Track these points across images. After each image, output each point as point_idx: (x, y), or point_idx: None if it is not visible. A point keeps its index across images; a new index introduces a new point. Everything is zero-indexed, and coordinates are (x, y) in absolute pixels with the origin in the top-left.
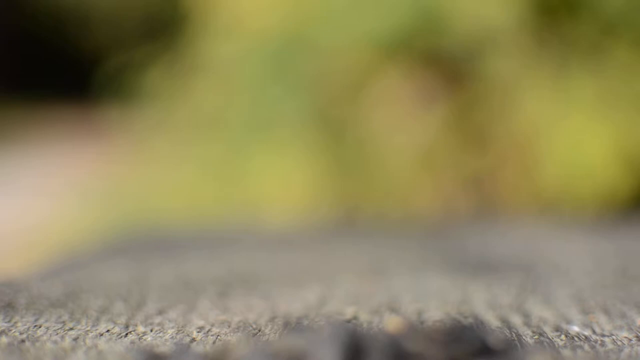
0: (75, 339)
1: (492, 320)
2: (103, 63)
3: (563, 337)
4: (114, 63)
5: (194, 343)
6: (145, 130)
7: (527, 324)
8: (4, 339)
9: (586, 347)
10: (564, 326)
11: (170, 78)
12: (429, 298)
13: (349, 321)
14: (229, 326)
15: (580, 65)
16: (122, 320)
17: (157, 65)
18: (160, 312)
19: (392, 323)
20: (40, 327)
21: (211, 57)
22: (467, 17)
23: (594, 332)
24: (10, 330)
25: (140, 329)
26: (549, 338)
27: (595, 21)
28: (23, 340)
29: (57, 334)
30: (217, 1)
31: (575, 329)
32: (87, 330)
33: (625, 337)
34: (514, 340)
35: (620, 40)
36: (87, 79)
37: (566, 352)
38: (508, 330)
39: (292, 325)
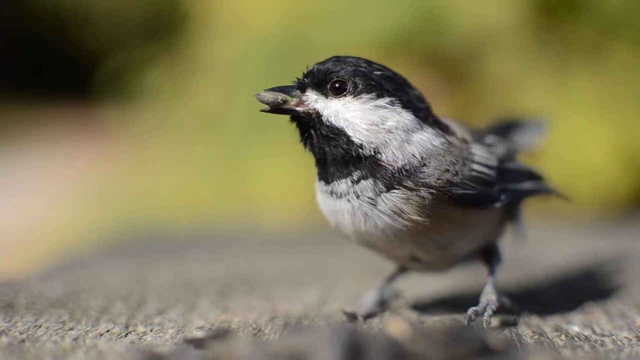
0: (75, 339)
1: (492, 320)
2: (103, 63)
3: (563, 337)
4: (114, 63)
5: (194, 342)
6: (145, 130)
7: (527, 324)
8: (4, 339)
9: (586, 347)
10: (564, 326)
11: (170, 78)
12: (428, 298)
13: (348, 321)
14: (229, 326)
15: (580, 65)
16: (122, 320)
17: (157, 65)
18: (160, 312)
19: (392, 323)
20: (40, 327)
21: (211, 57)
22: (467, 17)
23: (594, 332)
24: (10, 330)
25: (140, 329)
26: (549, 338)
27: (595, 21)
28: (23, 340)
29: (57, 334)
30: (217, 1)
31: (575, 329)
32: (87, 330)
33: (625, 337)
34: (514, 340)
35: (620, 40)
36: (87, 79)
37: (566, 352)
38: (508, 330)
39: (292, 325)
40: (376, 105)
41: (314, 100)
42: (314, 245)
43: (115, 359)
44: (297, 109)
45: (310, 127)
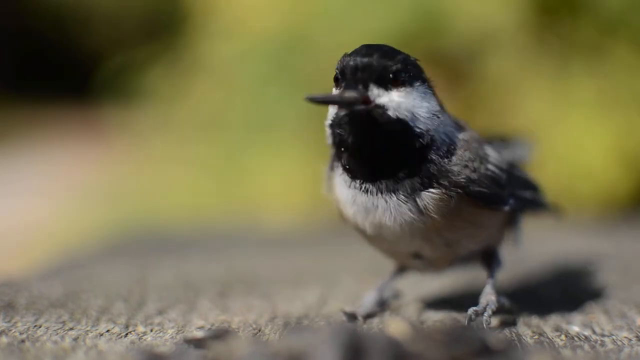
0: (75, 339)
1: (492, 320)
2: (103, 63)
3: (563, 337)
4: (115, 63)
5: (194, 342)
6: (145, 130)
7: (527, 324)
8: (4, 339)
9: (586, 347)
10: (564, 326)
11: (170, 78)
12: (429, 298)
13: (348, 321)
14: (229, 326)
15: (580, 65)
16: (122, 320)
17: (158, 65)
18: (160, 312)
19: (392, 323)
20: (40, 327)
21: (211, 57)
22: (467, 17)
23: (594, 332)
24: (10, 330)
25: (140, 329)
26: (549, 338)
27: (595, 21)
28: (23, 340)
29: (57, 334)
30: (217, 1)
31: (575, 329)
32: (87, 330)
33: (625, 337)
34: (514, 340)
35: (620, 40)
36: (87, 79)
37: (566, 352)
38: (508, 330)
39: (292, 325)
40: (424, 92)
41: (377, 95)
42: (314, 245)
43: (115, 359)
44: (365, 107)
45: (372, 124)
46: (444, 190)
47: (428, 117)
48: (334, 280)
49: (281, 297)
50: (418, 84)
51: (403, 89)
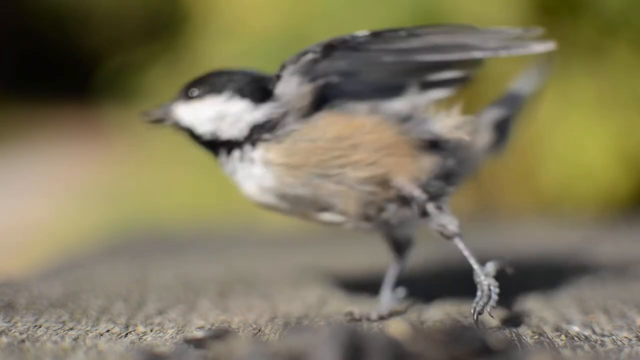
0: (75, 339)
1: (492, 320)
2: (104, 63)
3: (563, 337)
4: (115, 63)
5: (194, 342)
6: (145, 130)
7: (527, 324)
8: (4, 339)
9: (586, 347)
10: (564, 326)
11: (170, 78)
12: (429, 298)
13: (348, 321)
14: (229, 326)
15: (580, 65)
16: (122, 320)
17: (158, 65)
18: (160, 312)
19: (392, 323)
20: (40, 327)
21: (211, 57)
22: (467, 17)
23: (594, 332)
24: (10, 330)
25: (140, 329)
26: (549, 338)
27: (595, 21)
28: (23, 340)
29: (57, 334)
30: (217, 1)
31: (575, 329)
32: (87, 330)
33: (625, 337)
34: (514, 340)
35: (620, 40)
36: (87, 79)
37: (566, 352)
38: (508, 330)
39: (292, 325)
40: (214, 102)
41: (175, 111)
42: (314, 245)
43: (115, 359)
44: (170, 121)
45: (182, 131)
46: (271, 143)
47: (209, 121)
48: (334, 280)
49: (281, 297)
50: (211, 96)
51: (193, 103)
